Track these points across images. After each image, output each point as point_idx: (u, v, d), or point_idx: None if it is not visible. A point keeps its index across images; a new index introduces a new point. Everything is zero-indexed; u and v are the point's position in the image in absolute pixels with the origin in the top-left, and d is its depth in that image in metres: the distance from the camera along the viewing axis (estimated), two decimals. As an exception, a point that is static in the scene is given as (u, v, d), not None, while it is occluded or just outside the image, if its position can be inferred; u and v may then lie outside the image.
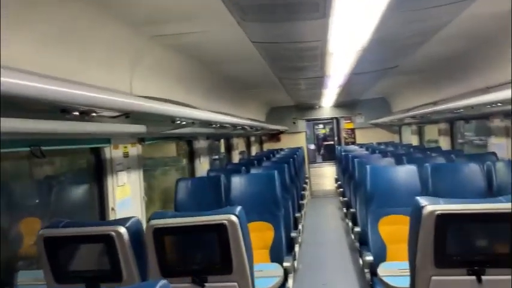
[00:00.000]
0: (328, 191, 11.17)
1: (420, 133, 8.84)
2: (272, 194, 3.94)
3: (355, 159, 4.96)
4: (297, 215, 5.41)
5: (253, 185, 4.03)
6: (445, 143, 6.78)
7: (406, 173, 3.85)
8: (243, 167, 5.00)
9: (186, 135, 4.49)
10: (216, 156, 8.31)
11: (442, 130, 6.84)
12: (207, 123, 3.77)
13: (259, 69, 4.71)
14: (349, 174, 6.27)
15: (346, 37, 3.26)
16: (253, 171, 5.01)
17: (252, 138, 9.70)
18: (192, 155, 4.89)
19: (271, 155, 7.99)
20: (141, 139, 3.41)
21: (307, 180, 9.54)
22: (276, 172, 3.99)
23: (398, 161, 4.88)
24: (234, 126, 4.99)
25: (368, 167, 3.89)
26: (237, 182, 3.98)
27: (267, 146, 11.22)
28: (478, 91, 4.68)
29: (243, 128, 6.45)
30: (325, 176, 11.47)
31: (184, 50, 3.52)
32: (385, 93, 9.68)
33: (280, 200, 3.98)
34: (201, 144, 5.12)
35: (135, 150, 3.34)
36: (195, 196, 3.97)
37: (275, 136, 11.25)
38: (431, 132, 8.90)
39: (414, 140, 8.94)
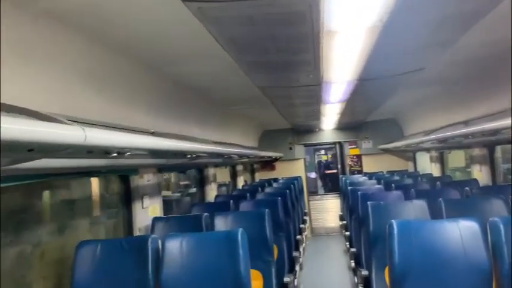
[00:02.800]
0: (331, 229, 9.55)
1: (442, 160, 7.23)
2: (235, 270, 2.36)
3: (369, 203, 3.35)
4: (286, 280, 3.75)
5: (208, 254, 2.45)
6: (481, 175, 5.19)
7: (461, 232, 2.27)
8: (206, 214, 3.40)
9: (110, 169, 2.88)
10: (191, 191, 6.72)
11: (478, 157, 5.26)
12: (143, 151, 2.22)
13: (228, 71, 3.21)
14: (358, 218, 4.65)
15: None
16: (218, 221, 3.43)
17: (240, 167, 8.11)
18: (128, 198, 3.26)
19: (259, 189, 6.38)
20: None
21: (306, 218, 7.88)
22: (240, 231, 2.40)
23: (434, 208, 3.26)
24: (195, 155, 3.43)
25: (394, 224, 2.30)
26: (175, 250, 2.40)
27: (261, 175, 9.69)
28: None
29: (225, 156, 4.94)
30: (328, 210, 9.84)
31: (95, 33, 2.03)
32: (395, 113, 8.22)
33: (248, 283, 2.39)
34: (146, 179, 3.53)
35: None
36: (107, 271, 2.40)
37: (269, 164, 9.73)
38: (455, 158, 7.32)
39: (435, 169, 7.32)
